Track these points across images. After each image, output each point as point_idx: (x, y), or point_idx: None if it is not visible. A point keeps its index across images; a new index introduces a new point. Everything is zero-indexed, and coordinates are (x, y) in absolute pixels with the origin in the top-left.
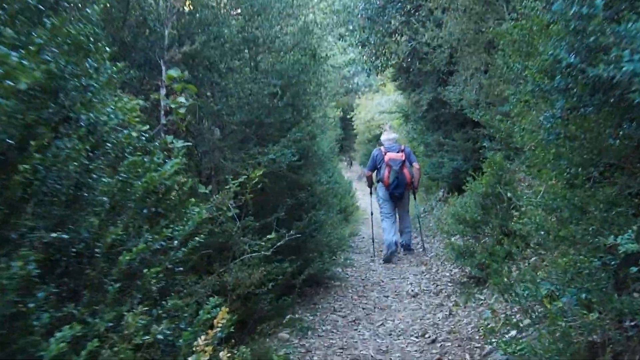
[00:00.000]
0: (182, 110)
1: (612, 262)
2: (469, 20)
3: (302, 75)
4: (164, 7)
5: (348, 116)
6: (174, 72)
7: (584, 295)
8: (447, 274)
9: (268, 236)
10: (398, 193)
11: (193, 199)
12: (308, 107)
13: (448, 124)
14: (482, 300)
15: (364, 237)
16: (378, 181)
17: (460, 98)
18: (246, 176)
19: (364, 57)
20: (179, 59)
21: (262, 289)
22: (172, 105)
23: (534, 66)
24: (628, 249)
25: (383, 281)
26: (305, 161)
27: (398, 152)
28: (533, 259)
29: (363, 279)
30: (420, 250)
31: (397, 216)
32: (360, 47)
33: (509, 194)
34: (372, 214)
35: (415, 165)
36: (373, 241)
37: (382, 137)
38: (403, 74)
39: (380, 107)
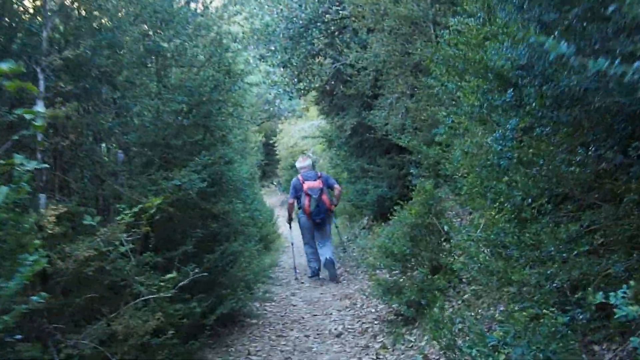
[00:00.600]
0: (38, 123)
1: (581, 317)
2: (395, 41)
3: (215, 93)
4: (41, 4)
5: (271, 141)
6: (5, 65)
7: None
8: (373, 310)
9: (169, 275)
10: (319, 219)
11: (37, 241)
12: (223, 129)
13: (373, 149)
14: (412, 342)
15: (284, 267)
16: (299, 208)
17: (385, 122)
18: (141, 205)
19: (286, 79)
20: (59, 65)
21: (160, 337)
22: (27, 116)
23: (474, 84)
24: (629, 313)
25: (304, 318)
26: (218, 188)
27: (315, 179)
28: (466, 295)
29: (282, 316)
30: (343, 281)
31: (317, 243)
32: (282, 69)
33: (445, 227)
34: (292, 243)
35: (337, 187)
36: (295, 270)
37: (297, 165)
38: (326, 97)
39: (303, 132)
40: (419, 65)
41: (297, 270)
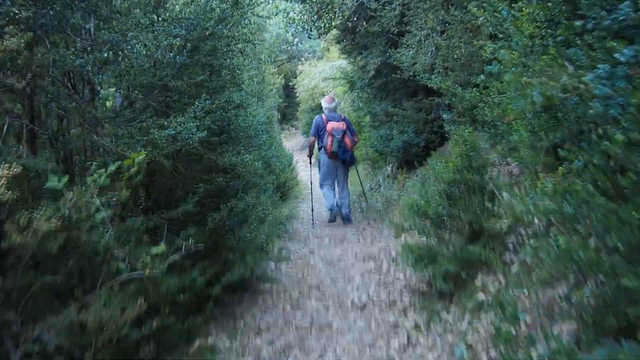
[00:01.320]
0: None
1: None
2: None
3: (220, 26)
4: None
5: (290, 83)
6: None
7: None
8: (401, 277)
9: (155, 248)
10: (341, 160)
11: None
12: (232, 69)
13: (398, 91)
14: (449, 323)
15: (302, 219)
16: (320, 148)
17: (413, 62)
18: (120, 163)
19: (305, 16)
20: None
21: (142, 329)
22: None
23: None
24: None
25: (323, 283)
26: (226, 136)
27: (339, 121)
28: (514, 267)
29: (299, 280)
30: (367, 237)
31: (337, 185)
32: (300, 4)
33: (490, 186)
34: (311, 183)
35: (355, 138)
36: (312, 210)
37: (324, 104)
38: (348, 35)
39: (324, 74)
40: None
41: (316, 221)
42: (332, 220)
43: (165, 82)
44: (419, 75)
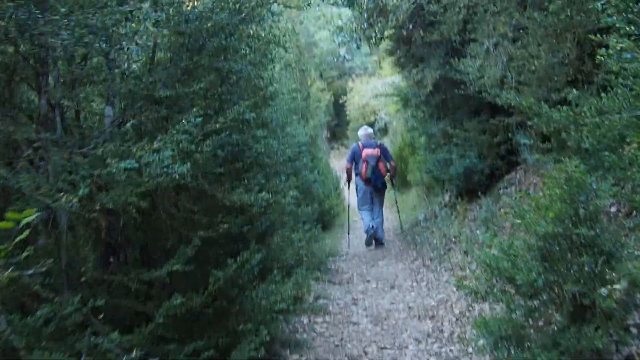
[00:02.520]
0: None
1: None
2: None
3: (235, 20)
4: None
5: (341, 101)
6: None
7: None
8: (471, 350)
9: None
10: (379, 184)
11: None
12: (249, 75)
13: (458, 110)
14: None
15: (347, 253)
16: (356, 175)
17: (479, 75)
18: None
19: (353, 23)
20: None
21: None
22: None
23: None
24: None
25: (367, 353)
26: (242, 166)
27: (374, 148)
28: None
29: (336, 346)
30: (421, 281)
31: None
32: (348, 9)
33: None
34: (348, 206)
35: (392, 163)
36: (348, 234)
37: (360, 133)
38: (402, 46)
39: (375, 90)
40: None
41: (349, 245)
42: (368, 242)
43: (151, 91)
44: (486, 91)
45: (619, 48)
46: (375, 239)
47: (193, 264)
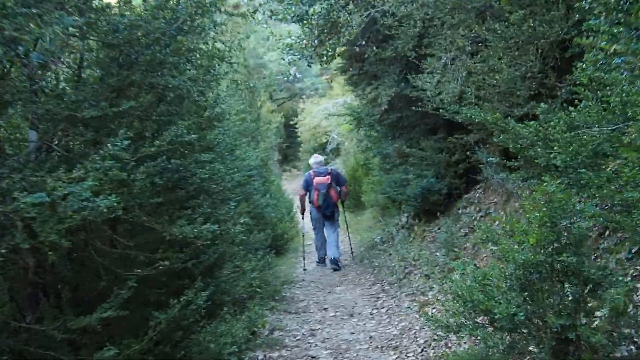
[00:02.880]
0: None
1: None
2: None
3: (172, 31)
4: None
5: (292, 122)
6: None
7: None
8: None
9: None
10: (329, 212)
11: None
12: (188, 94)
13: (414, 129)
14: None
15: (303, 280)
16: (310, 202)
17: (437, 92)
18: None
19: (304, 40)
20: None
21: None
22: None
23: None
24: None
25: None
26: (185, 194)
27: (325, 175)
28: None
29: None
30: (381, 309)
31: (326, 234)
32: (299, 25)
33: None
34: (303, 235)
35: (344, 188)
36: (304, 258)
37: (311, 162)
38: (355, 63)
39: (326, 111)
40: (491, 6)
41: (305, 267)
42: (319, 262)
43: (75, 111)
44: (444, 108)
45: (597, 56)
46: (332, 263)
47: (131, 306)
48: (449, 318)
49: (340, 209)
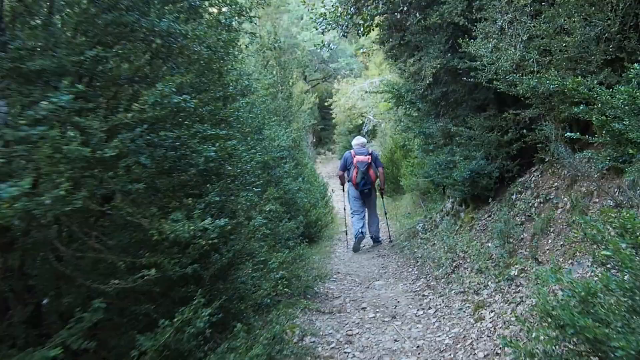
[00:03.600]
0: None
1: None
2: None
3: None
4: None
5: (326, 104)
6: None
7: None
8: None
9: None
10: (367, 190)
11: None
12: (186, 45)
13: (461, 105)
14: None
15: (339, 271)
16: (348, 181)
17: (492, 59)
18: None
19: (339, 9)
20: None
21: None
22: None
23: None
24: None
25: None
26: (177, 177)
27: (365, 155)
28: None
29: None
30: (428, 309)
31: (366, 213)
32: None
33: None
34: (344, 210)
35: (380, 169)
36: (346, 233)
37: (353, 142)
38: (395, 32)
39: (363, 91)
40: None
41: (348, 240)
42: (356, 247)
43: (18, 62)
44: (500, 79)
45: None
46: (372, 238)
47: (107, 327)
48: (535, 343)
49: (378, 194)
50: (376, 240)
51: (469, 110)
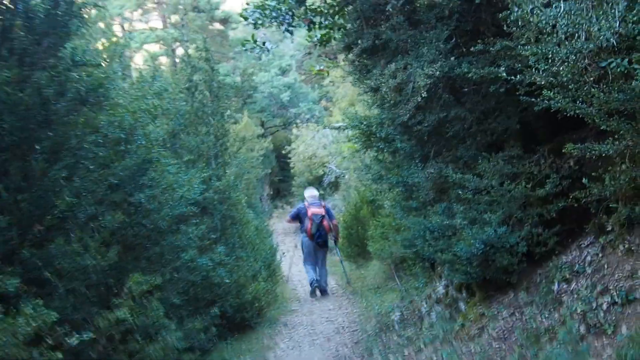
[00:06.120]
0: None
1: None
2: None
3: None
4: None
5: (284, 151)
6: None
7: None
8: None
9: None
10: (321, 241)
11: None
12: None
13: (464, 142)
14: None
15: None
16: (302, 232)
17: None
18: None
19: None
20: None
21: None
22: None
23: None
24: None
25: None
26: None
27: (319, 207)
28: None
29: None
30: None
31: (317, 264)
32: None
33: None
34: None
35: (334, 221)
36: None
37: (306, 194)
38: (368, 28)
39: (325, 139)
40: None
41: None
42: (312, 292)
43: None
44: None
45: None
46: (320, 290)
47: None
48: None
49: (332, 243)
50: (324, 291)
51: (476, 148)
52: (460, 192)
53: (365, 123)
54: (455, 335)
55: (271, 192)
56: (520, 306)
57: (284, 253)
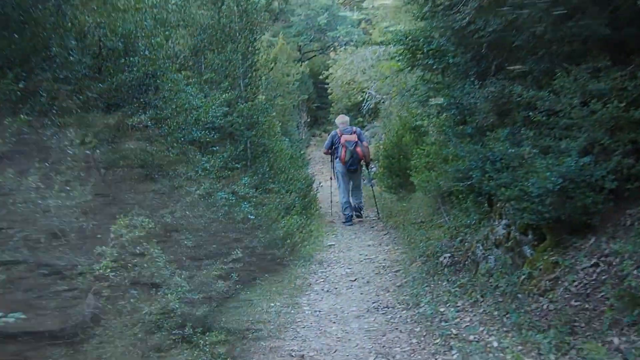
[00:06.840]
0: None
1: None
2: None
3: None
4: None
5: (321, 77)
6: None
7: None
8: None
9: None
10: (353, 168)
11: None
12: None
13: (535, 53)
14: None
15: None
16: (336, 159)
17: None
18: None
19: None
20: None
21: None
22: None
23: None
24: None
25: None
26: None
27: (351, 134)
28: None
29: None
30: None
31: (350, 188)
32: None
33: None
34: (331, 193)
35: (365, 143)
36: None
37: (337, 121)
38: None
39: (364, 63)
40: None
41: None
42: (347, 221)
43: None
44: None
45: None
46: (355, 210)
47: None
48: None
49: (364, 167)
50: (357, 209)
51: (550, 60)
52: (530, 114)
53: (410, 37)
54: (521, 287)
55: (308, 120)
56: (605, 255)
57: (320, 183)
